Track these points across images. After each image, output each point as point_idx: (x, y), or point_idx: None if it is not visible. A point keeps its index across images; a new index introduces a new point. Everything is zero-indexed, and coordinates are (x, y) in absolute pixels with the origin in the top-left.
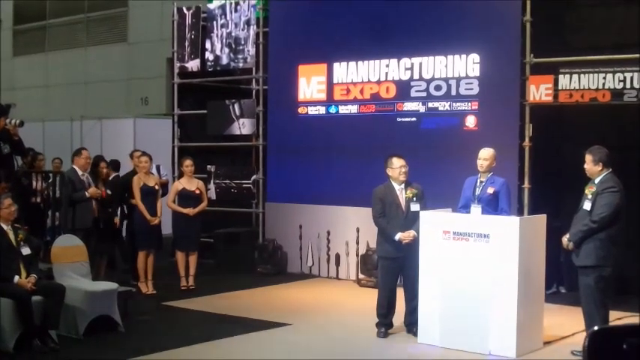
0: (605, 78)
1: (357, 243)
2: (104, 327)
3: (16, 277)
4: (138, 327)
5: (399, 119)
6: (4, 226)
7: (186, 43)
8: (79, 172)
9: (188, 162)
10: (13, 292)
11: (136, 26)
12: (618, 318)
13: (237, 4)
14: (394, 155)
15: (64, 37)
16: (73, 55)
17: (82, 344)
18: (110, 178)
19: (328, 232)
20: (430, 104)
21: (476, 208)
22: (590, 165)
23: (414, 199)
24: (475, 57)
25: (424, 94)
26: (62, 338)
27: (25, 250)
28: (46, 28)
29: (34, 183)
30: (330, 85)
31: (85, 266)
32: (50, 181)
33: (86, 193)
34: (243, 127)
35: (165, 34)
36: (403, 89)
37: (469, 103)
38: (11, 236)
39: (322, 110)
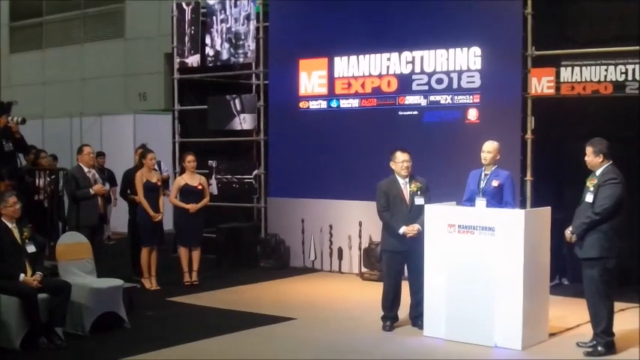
0: (606, 70)
1: (360, 237)
2: (110, 323)
3: (22, 275)
4: (143, 323)
5: (400, 113)
6: (9, 224)
7: (186, 39)
8: (85, 169)
9: (190, 157)
10: (19, 290)
11: (133, 22)
12: (622, 309)
13: None
14: (399, 149)
15: (61, 33)
16: (70, 51)
17: (88, 341)
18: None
19: (331, 226)
20: (432, 97)
21: (481, 201)
22: (591, 157)
23: (419, 192)
24: (477, 50)
25: (426, 87)
26: (68, 335)
27: (30, 248)
28: (42, 24)
29: (37, 180)
30: (331, 79)
31: (90, 263)
32: (53, 177)
33: (91, 191)
34: (244, 122)
35: (163, 30)
36: (405, 83)
37: (471, 96)
38: (16, 234)
39: (323, 104)
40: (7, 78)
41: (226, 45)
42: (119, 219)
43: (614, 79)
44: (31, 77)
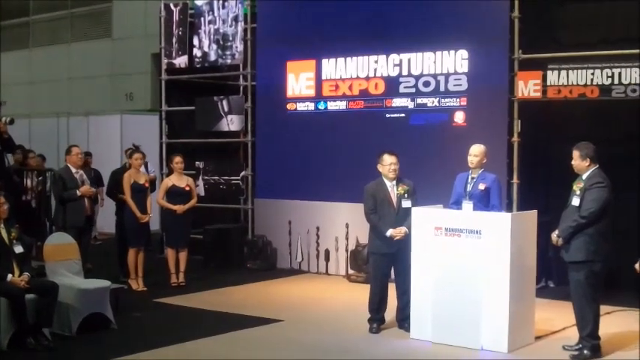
0: (593, 74)
1: (347, 238)
2: (97, 324)
3: (9, 276)
4: (130, 324)
5: (387, 115)
6: None
7: (174, 40)
8: (73, 170)
9: (178, 159)
10: (7, 290)
11: (121, 22)
12: (608, 312)
13: (224, 0)
14: (386, 152)
15: (48, 33)
16: (57, 51)
17: (75, 342)
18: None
19: (317, 228)
20: (419, 100)
21: (467, 205)
22: (578, 161)
23: (406, 195)
24: (464, 53)
25: (413, 90)
26: (55, 336)
27: (18, 249)
28: (29, 24)
29: (25, 181)
30: (319, 81)
31: (77, 264)
32: (41, 178)
33: (77, 192)
34: (231, 123)
35: (150, 30)
36: (392, 85)
37: (458, 99)
38: (4, 234)
39: (311, 106)
40: None
41: (214, 46)
42: (106, 219)
43: (600, 83)
44: (18, 77)
